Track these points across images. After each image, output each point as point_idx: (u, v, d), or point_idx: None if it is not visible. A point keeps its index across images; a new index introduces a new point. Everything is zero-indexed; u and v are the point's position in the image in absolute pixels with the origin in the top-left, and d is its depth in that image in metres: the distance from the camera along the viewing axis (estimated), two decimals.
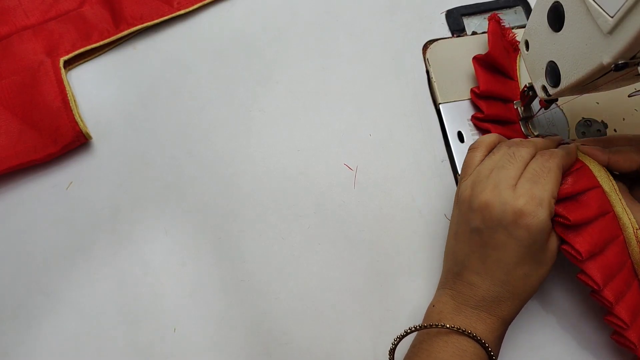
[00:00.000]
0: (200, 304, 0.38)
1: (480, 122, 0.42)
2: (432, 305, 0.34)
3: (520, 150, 0.33)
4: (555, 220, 0.32)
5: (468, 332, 0.31)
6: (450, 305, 0.32)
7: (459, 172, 0.41)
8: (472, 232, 0.32)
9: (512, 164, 0.32)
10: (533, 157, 0.33)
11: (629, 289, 0.33)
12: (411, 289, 0.38)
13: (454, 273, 0.33)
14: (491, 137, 0.36)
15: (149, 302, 0.38)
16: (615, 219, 0.33)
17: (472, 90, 0.43)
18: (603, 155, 0.35)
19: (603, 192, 0.33)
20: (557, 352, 0.36)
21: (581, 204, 0.32)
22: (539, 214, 0.30)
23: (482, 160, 0.35)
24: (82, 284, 0.38)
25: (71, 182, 0.41)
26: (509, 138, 0.41)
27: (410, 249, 0.39)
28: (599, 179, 0.33)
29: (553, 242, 0.32)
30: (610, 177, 0.34)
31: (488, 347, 0.30)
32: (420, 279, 0.38)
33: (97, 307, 0.37)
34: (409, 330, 0.32)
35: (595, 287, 0.32)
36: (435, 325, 0.31)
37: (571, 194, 0.32)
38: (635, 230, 0.33)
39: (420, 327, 0.32)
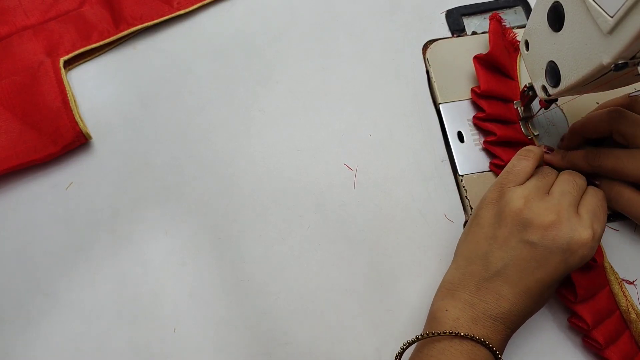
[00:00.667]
0: (200, 304, 0.38)
1: (482, 122, 0.42)
2: (444, 309, 0.32)
3: (580, 180, 0.34)
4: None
5: (486, 342, 0.30)
6: (469, 314, 0.31)
7: (459, 172, 0.41)
8: (522, 243, 0.31)
9: (575, 192, 0.33)
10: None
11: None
12: (411, 289, 0.38)
13: (482, 279, 0.32)
14: (540, 149, 0.36)
15: (149, 302, 0.38)
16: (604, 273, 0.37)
17: (472, 90, 0.43)
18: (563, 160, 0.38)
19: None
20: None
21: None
22: (594, 249, 0.32)
23: (532, 171, 0.35)
24: (82, 284, 0.38)
25: (71, 183, 0.41)
26: (511, 138, 0.41)
27: (410, 249, 0.39)
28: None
29: None
30: None
31: (499, 356, 0.31)
32: (420, 279, 0.38)
33: (97, 307, 0.37)
34: (420, 337, 0.31)
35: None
36: (450, 332, 0.30)
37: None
38: (620, 282, 0.37)
39: (433, 333, 0.31)
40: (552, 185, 0.34)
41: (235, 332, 0.37)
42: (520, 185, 0.34)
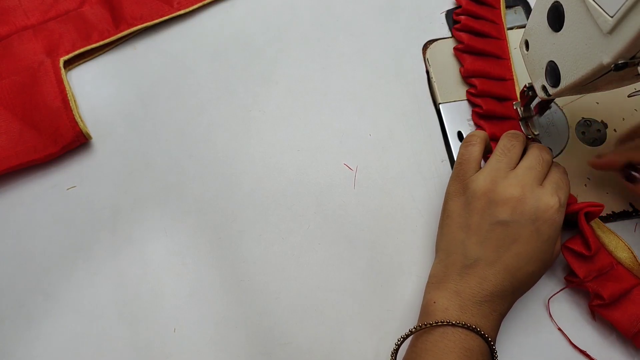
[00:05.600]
0: (200, 304, 0.38)
1: (480, 119, 0.42)
2: (432, 302, 0.33)
3: (546, 155, 0.36)
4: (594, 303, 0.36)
5: (477, 329, 0.31)
6: (456, 302, 0.32)
7: None
8: (494, 224, 0.33)
9: (540, 167, 0.35)
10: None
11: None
12: (411, 289, 0.38)
13: (464, 266, 0.33)
14: (483, 132, 0.38)
15: (149, 302, 0.38)
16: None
17: (468, 92, 0.43)
18: (620, 157, 0.37)
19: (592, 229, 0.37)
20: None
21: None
22: (561, 214, 0.33)
23: (481, 155, 0.36)
24: (82, 284, 0.38)
25: (74, 186, 0.41)
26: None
27: (410, 249, 0.39)
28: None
29: (557, 247, 0.35)
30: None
31: (493, 346, 0.31)
32: (421, 279, 0.38)
33: (97, 307, 0.37)
34: (413, 330, 0.32)
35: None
36: (441, 322, 0.31)
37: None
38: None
39: (425, 325, 0.31)
40: (519, 159, 0.35)
41: (235, 331, 0.37)
42: (478, 171, 0.35)
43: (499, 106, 0.42)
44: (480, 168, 0.36)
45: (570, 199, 0.37)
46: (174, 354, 0.36)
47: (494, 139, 0.41)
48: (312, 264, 0.39)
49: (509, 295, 0.33)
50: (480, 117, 0.42)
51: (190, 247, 0.39)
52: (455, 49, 0.45)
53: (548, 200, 0.33)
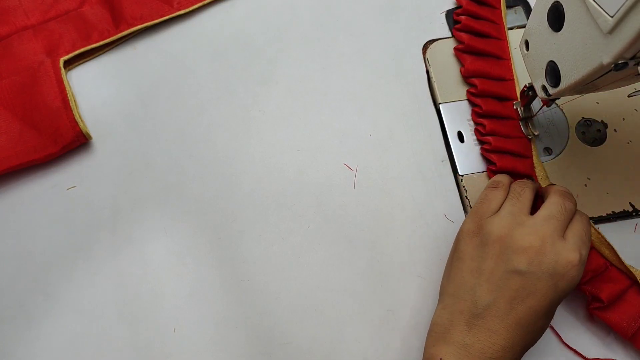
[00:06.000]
0: (200, 304, 0.38)
1: (479, 118, 0.42)
2: (437, 358, 0.30)
3: (570, 205, 0.34)
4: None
5: None
6: (464, 359, 0.30)
7: (459, 172, 0.41)
8: (509, 273, 0.31)
9: (563, 217, 0.33)
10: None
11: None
12: (411, 289, 0.38)
13: (472, 315, 0.31)
14: (509, 178, 0.37)
15: (149, 302, 0.38)
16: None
17: (468, 92, 0.43)
18: None
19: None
20: None
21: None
22: (580, 273, 0.31)
23: (503, 201, 0.35)
24: (82, 284, 0.38)
25: (74, 186, 0.41)
26: (509, 135, 0.41)
27: (410, 249, 0.39)
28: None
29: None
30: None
31: None
32: (420, 279, 0.38)
33: (97, 307, 0.37)
34: None
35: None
36: None
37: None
38: None
39: None
40: (534, 203, 0.34)
41: (235, 331, 0.37)
42: (495, 213, 0.34)
43: (499, 106, 0.42)
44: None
45: None
46: (174, 354, 0.36)
47: (494, 134, 0.41)
48: (312, 264, 0.39)
49: (517, 352, 0.31)
50: (479, 116, 0.42)
51: (190, 247, 0.39)
52: (455, 49, 0.45)
53: (569, 255, 0.31)
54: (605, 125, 0.43)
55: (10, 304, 0.38)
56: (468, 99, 0.44)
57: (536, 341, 0.32)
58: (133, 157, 0.42)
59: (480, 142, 0.42)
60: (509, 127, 0.42)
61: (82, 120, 0.42)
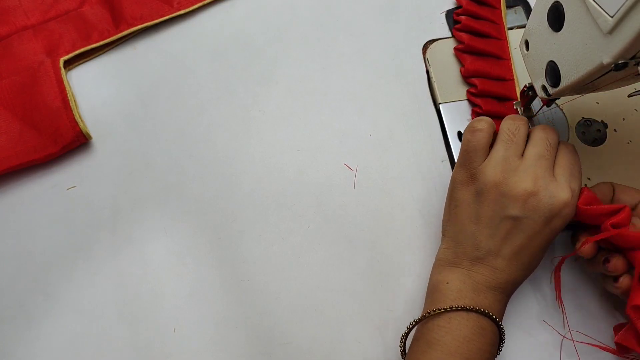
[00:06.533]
0: (200, 304, 0.38)
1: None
2: (444, 282, 0.33)
3: (554, 138, 0.34)
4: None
5: (490, 314, 0.31)
6: (469, 285, 0.33)
7: None
8: (506, 219, 0.32)
9: (550, 154, 0.34)
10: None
11: None
12: (411, 289, 0.38)
13: (475, 257, 0.33)
14: (490, 119, 0.36)
15: (148, 302, 0.38)
16: None
17: (468, 92, 0.43)
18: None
19: None
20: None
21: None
22: (574, 209, 0.33)
23: (489, 142, 0.35)
24: (82, 284, 0.38)
25: (74, 186, 0.41)
26: None
27: (410, 249, 0.39)
28: None
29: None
30: None
31: (502, 329, 0.33)
32: (420, 279, 0.38)
33: (97, 307, 0.37)
34: (427, 314, 0.32)
35: None
36: (457, 307, 0.31)
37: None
38: None
39: (439, 309, 0.32)
40: (525, 145, 0.34)
41: (235, 331, 0.37)
42: (485, 158, 0.34)
43: (499, 106, 0.42)
44: (487, 154, 0.35)
45: (586, 198, 0.33)
46: (174, 354, 0.36)
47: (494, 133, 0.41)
48: (312, 264, 0.39)
49: (519, 283, 0.34)
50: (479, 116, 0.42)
51: (190, 247, 0.39)
52: (455, 49, 0.45)
53: (562, 196, 0.32)
54: (605, 125, 0.43)
55: (10, 304, 0.38)
56: (468, 99, 0.44)
57: (532, 272, 0.34)
58: (133, 157, 0.42)
59: None
60: None
61: (82, 120, 0.42)
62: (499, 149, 0.34)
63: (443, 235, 0.36)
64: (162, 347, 0.36)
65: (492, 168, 0.33)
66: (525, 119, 0.36)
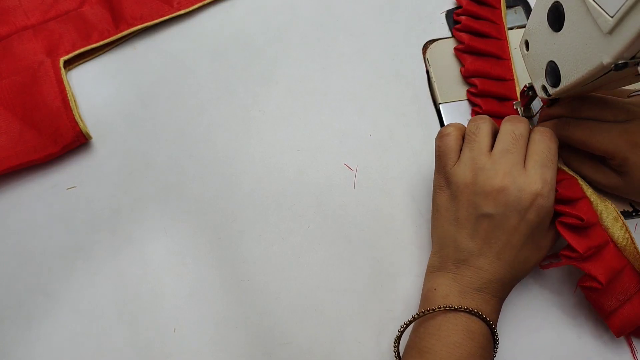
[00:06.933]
0: (200, 304, 0.38)
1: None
2: (432, 289, 0.33)
3: (520, 128, 0.34)
4: (560, 220, 0.34)
5: (478, 313, 0.31)
6: (455, 288, 0.33)
7: None
8: (480, 217, 0.32)
9: (517, 146, 0.33)
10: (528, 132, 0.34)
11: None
12: (411, 289, 0.38)
13: (457, 260, 0.33)
14: (457, 123, 0.37)
15: (148, 302, 0.38)
16: (603, 230, 0.35)
17: (468, 92, 0.43)
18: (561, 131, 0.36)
19: (589, 202, 0.35)
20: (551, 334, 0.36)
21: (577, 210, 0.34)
22: (550, 198, 0.32)
23: (459, 144, 0.35)
24: (82, 284, 0.38)
25: (75, 186, 0.41)
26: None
27: (410, 249, 0.39)
28: (585, 191, 0.35)
29: (552, 231, 0.34)
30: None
31: (494, 328, 0.32)
32: (421, 279, 0.38)
33: (97, 307, 0.37)
34: (416, 316, 0.32)
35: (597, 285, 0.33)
36: (444, 307, 0.31)
37: (567, 199, 0.34)
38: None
39: (428, 310, 0.32)
40: (491, 140, 0.34)
41: (235, 331, 0.37)
42: (457, 162, 0.34)
43: (499, 106, 0.42)
44: (458, 157, 0.35)
45: (564, 190, 0.34)
46: (174, 354, 0.36)
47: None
48: (312, 264, 0.39)
49: (507, 283, 0.33)
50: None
51: (190, 247, 0.39)
52: (455, 49, 0.45)
53: (532, 187, 0.32)
54: None
55: (10, 304, 0.38)
56: (468, 99, 0.44)
57: (527, 272, 0.34)
58: (133, 157, 0.42)
59: None
60: None
61: (82, 120, 0.42)
62: (464, 151, 0.35)
63: (432, 241, 0.37)
64: (162, 347, 0.36)
65: (462, 169, 0.34)
66: (487, 117, 0.36)
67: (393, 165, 0.42)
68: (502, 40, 0.45)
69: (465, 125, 0.36)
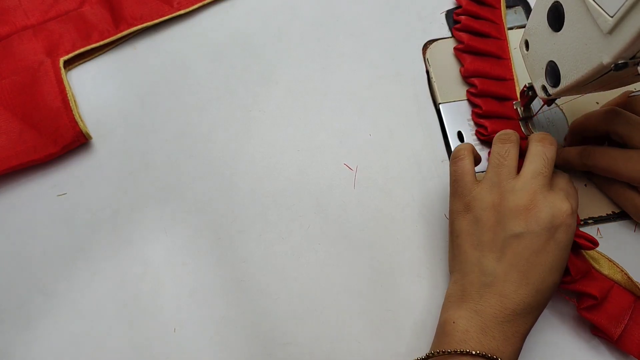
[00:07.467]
0: (200, 304, 0.38)
1: (480, 119, 0.42)
2: (451, 322, 0.31)
3: (551, 151, 0.34)
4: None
5: (496, 358, 0.29)
6: (476, 323, 0.30)
7: None
8: (510, 238, 0.31)
9: (549, 169, 0.33)
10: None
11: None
12: (411, 289, 0.38)
13: (482, 284, 0.31)
14: (469, 144, 0.36)
15: (149, 302, 0.38)
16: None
17: (468, 92, 0.43)
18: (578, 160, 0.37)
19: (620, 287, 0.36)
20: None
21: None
22: (575, 219, 0.32)
23: (474, 167, 0.35)
24: (82, 284, 0.38)
25: (65, 193, 0.41)
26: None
27: (410, 249, 0.39)
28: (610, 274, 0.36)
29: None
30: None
31: None
32: (421, 279, 0.38)
33: (97, 307, 0.37)
34: (430, 355, 0.31)
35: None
36: (461, 351, 0.29)
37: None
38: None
39: (444, 352, 0.30)
40: (517, 162, 0.34)
41: (236, 332, 0.37)
42: (474, 183, 0.34)
43: (499, 106, 0.42)
44: (476, 179, 0.35)
45: None
46: (174, 354, 0.36)
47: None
48: (312, 264, 0.39)
49: (532, 312, 0.31)
50: (479, 116, 0.42)
51: (190, 247, 0.39)
52: (455, 48, 0.45)
53: (562, 205, 0.31)
54: None
55: (10, 304, 0.38)
56: (468, 99, 0.44)
57: (548, 300, 0.32)
58: (133, 157, 0.42)
59: (482, 141, 0.42)
60: (509, 127, 0.42)
61: (82, 120, 0.42)
62: (490, 174, 0.34)
63: (450, 273, 0.35)
64: (162, 347, 0.36)
65: (487, 192, 0.33)
66: (516, 138, 0.35)
67: (393, 165, 0.42)
68: (502, 40, 0.45)
69: (471, 143, 0.36)
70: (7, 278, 0.38)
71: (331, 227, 0.40)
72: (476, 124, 0.43)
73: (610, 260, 0.36)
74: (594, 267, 0.36)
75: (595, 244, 0.34)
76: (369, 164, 0.42)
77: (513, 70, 0.44)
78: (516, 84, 0.44)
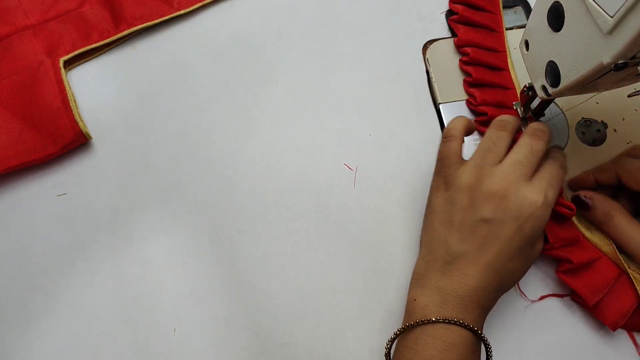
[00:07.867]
0: (200, 303, 0.38)
1: (476, 107, 0.42)
2: (412, 300, 0.33)
3: (539, 145, 0.34)
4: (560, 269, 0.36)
5: (458, 321, 0.30)
6: (436, 298, 0.32)
7: None
8: (477, 222, 0.32)
9: (530, 160, 0.33)
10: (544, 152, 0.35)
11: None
12: None
13: (445, 262, 0.33)
14: (461, 123, 0.37)
15: (148, 302, 0.38)
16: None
17: (464, 81, 0.44)
18: (589, 177, 0.38)
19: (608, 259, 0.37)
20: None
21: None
22: (546, 213, 0.32)
23: (460, 149, 0.36)
24: (82, 284, 0.38)
25: (65, 193, 0.41)
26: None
27: (410, 249, 0.39)
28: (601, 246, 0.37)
29: (539, 244, 0.35)
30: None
31: (479, 331, 0.31)
32: None
33: (97, 307, 0.37)
34: (398, 332, 0.32)
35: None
36: (421, 321, 0.31)
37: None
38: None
39: (406, 326, 0.31)
40: (507, 152, 0.34)
41: (235, 332, 0.37)
42: (459, 164, 0.35)
43: (491, 75, 0.43)
44: (461, 160, 0.36)
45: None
46: (174, 354, 0.36)
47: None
48: (312, 264, 0.39)
49: (492, 292, 0.32)
50: (470, 85, 0.43)
51: (190, 247, 0.39)
52: (461, 60, 0.45)
53: (532, 197, 0.32)
54: (605, 125, 0.43)
55: (10, 304, 0.38)
56: (460, 68, 0.45)
57: (514, 283, 0.34)
58: (133, 157, 0.42)
59: (472, 111, 0.43)
60: (503, 98, 0.43)
61: (82, 120, 0.42)
62: (476, 157, 0.35)
63: (420, 245, 0.36)
64: (162, 347, 0.36)
65: (467, 173, 0.34)
66: (513, 124, 0.36)
67: (393, 165, 0.42)
68: (496, 14, 0.46)
69: (469, 118, 0.37)
70: (7, 278, 0.38)
71: (331, 227, 0.40)
72: (467, 93, 0.43)
73: (603, 233, 0.37)
74: (585, 237, 0.37)
75: (572, 210, 0.35)
76: (369, 164, 0.42)
77: (512, 70, 0.44)
78: (516, 84, 0.44)
